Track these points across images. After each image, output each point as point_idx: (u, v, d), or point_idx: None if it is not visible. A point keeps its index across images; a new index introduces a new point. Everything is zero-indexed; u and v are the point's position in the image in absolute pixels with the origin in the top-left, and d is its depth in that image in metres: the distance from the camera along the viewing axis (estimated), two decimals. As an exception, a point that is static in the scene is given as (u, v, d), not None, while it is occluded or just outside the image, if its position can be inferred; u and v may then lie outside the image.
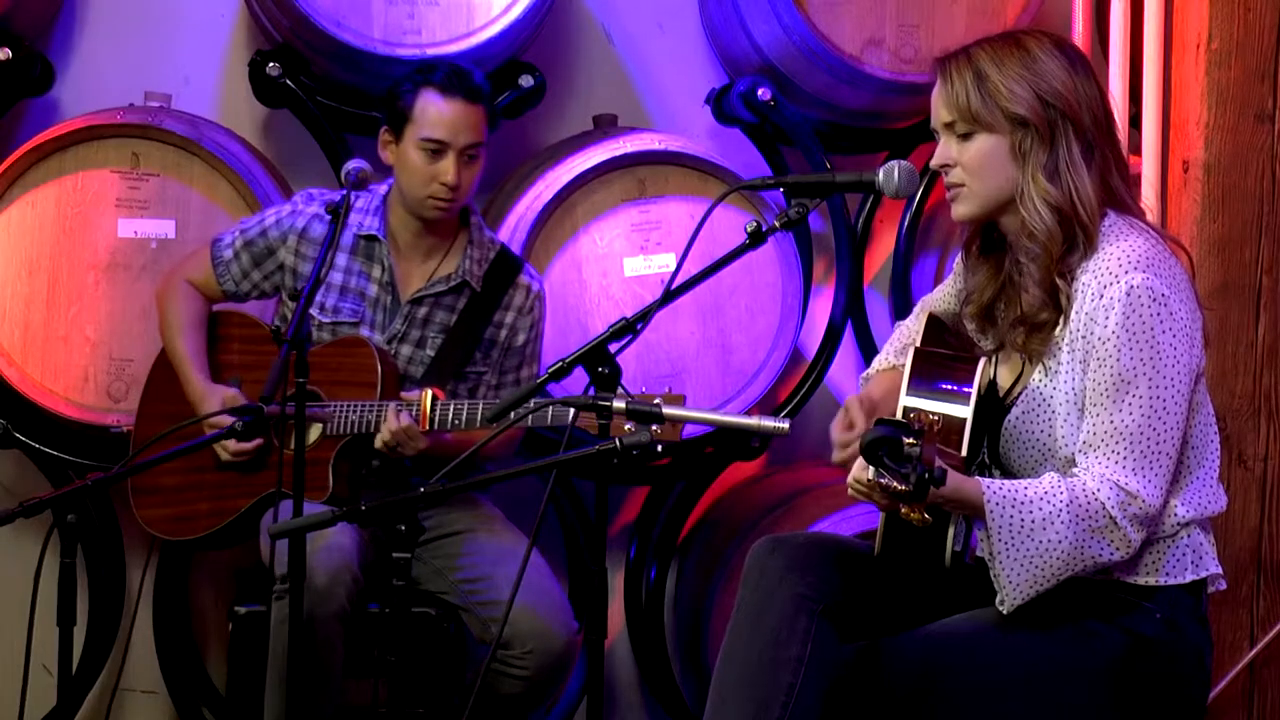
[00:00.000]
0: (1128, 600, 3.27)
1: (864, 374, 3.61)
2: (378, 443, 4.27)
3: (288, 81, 4.86)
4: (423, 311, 4.47)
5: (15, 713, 3.97)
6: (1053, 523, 3.16)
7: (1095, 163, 3.27)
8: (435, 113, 4.36)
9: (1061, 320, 3.27)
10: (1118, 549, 3.20)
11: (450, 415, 4.26)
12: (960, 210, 3.35)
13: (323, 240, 4.40)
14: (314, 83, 4.91)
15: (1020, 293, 3.32)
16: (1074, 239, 3.26)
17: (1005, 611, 3.21)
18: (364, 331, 4.46)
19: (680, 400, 3.91)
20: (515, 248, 4.65)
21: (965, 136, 3.31)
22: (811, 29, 4.79)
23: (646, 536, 5.09)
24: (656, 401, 3.86)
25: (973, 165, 3.31)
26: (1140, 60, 4.65)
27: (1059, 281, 3.27)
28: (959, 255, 3.54)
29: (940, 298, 3.62)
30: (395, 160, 4.42)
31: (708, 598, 4.84)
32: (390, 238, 4.48)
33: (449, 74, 4.39)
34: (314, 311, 4.43)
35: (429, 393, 4.27)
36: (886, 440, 2.92)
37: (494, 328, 4.49)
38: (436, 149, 4.36)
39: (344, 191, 4.03)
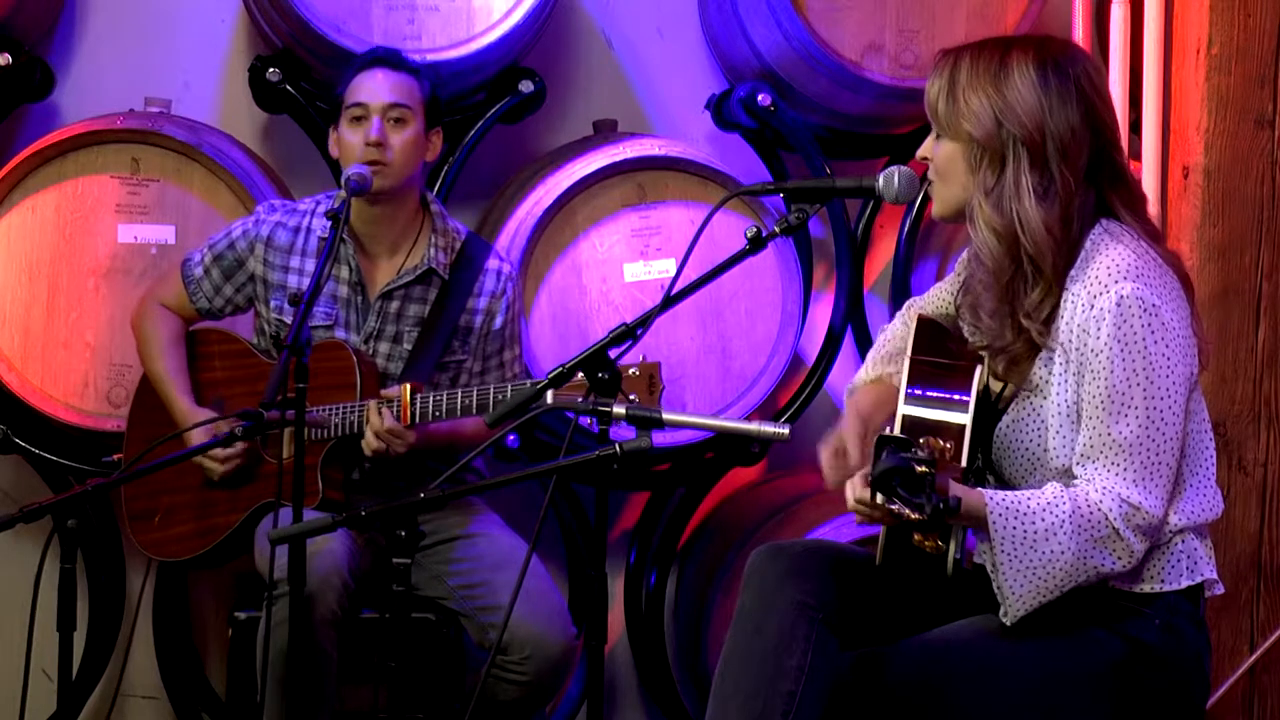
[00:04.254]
0: (1126, 607, 3.27)
1: (849, 385, 3.58)
2: (367, 450, 4.27)
3: (288, 87, 4.87)
4: (394, 306, 4.47)
5: (15, 717, 3.97)
6: (1056, 534, 3.15)
7: (1055, 195, 3.21)
8: (356, 83, 4.44)
9: (1041, 347, 3.26)
10: (1120, 559, 3.19)
11: (430, 407, 4.27)
12: (934, 209, 3.37)
13: (287, 247, 4.47)
14: (314, 88, 4.91)
15: (978, 319, 3.31)
16: (1023, 270, 3.23)
17: (1009, 623, 3.20)
18: (339, 333, 4.46)
19: (655, 367, 3.93)
20: (515, 252, 4.65)
21: (938, 135, 3.32)
22: (811, 35, 4.79)
23: (646, 542, 5.09)
24: (633, 371, 3.88)
25: (939, 167, 3.32)
26: (1140, 65, 4.66)
27: (1024, 322, 3.24)
28: (963, 254, 3.54)
29: (934, 299, 3.60)
30: (338, 147, 4.46)
31: (708, 603, 4.84)
32: (353, 237, 4.48)
33: (370, 51, 4.52)
34: (286, 319, 4.43)
35: (407, 387, 4.28)
36: (899, 470, 2.89)
37: (469, 315, 4.49)
38: (360, 114, 4.41)
39: (331, 194, 4.04)
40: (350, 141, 4.41)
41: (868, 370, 3.57)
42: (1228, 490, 4.40)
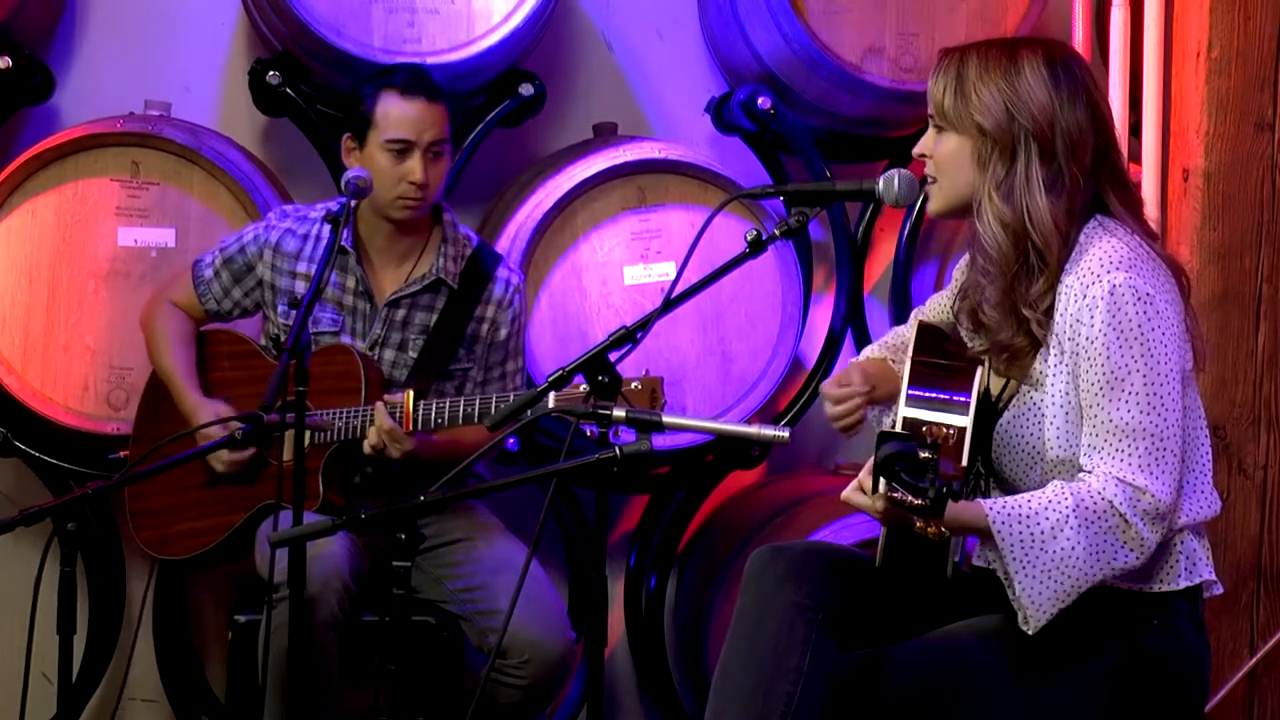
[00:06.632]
0: (1125, 607, 3.27)
1: (853, 360, 3.62)
2: (366, 446, 4.28)
3: (288, 90, 4.87)
4: (401, 314, 4.48)
5: (15, 721, 3.98)
6: (1062, 529, 3.14)
7: (1063, 188, 3.24)
8: (398, 113, 4.39)
9: (1041, 342, 3.27)
10: (1133, 550, 3.17)
11: (433, 414, 4.27)
12: (931, 205, 3.39)
13: (295, 253, 4.47)
14: (314, 91, 4.92)
15: (981, 311, 3.33)
16: (1028, 262, 3.26)
17: (1030, 632, 3.18)
18: (344, 339, 4.46)
19: (658, 382, 3.93)
20: (515, 255, 4.65)
21: (940, 130, 3.32)
22: (811, 37, 4.79)
23: (646, 545, 5.09)
24: (635, 385, 3.88)
25: (941, 162, 3.33)
26: (1140, 68, 4.66)
27: (1026, 312, 3.26)
28: (960, 261, 3.55)
29: (935, 306, 3.62)
30: (369, 169, 4.42)
31: (708, 606, 4.84)
32: (361, 247, 4.48)
33: (408, 75, 4.43)
34: (292, 323, 4.43)
35: (410, 393, 4.28)
36: (903, 455, 2.90)
37: (475, 323, 4.49)
38: (402, 149, 4.38)
39: (343, 200, 4.05)
40: (388, 171, 4.38)
41: (873, 349, 3.62)
42: (1228, 493, 4.39)
